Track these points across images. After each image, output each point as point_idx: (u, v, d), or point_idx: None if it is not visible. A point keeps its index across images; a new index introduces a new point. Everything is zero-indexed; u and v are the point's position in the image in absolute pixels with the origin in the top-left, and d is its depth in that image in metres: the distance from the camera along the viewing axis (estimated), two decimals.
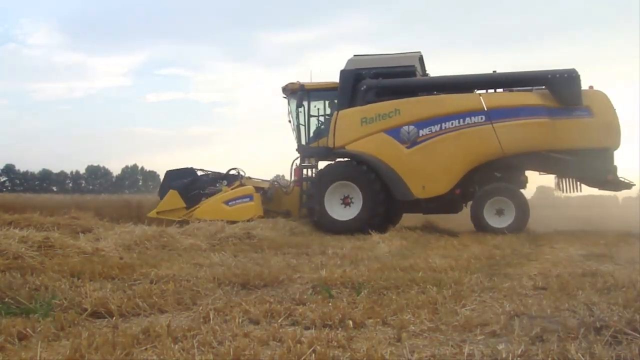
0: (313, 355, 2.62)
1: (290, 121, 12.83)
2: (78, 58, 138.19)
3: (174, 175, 12.76)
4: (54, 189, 73.17)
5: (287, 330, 3.16)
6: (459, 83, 11.95)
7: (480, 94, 11.57)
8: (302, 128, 12.56)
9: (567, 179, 11.68)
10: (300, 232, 10.40)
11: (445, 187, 11.35)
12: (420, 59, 12.75)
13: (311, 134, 12.59)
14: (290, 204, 12.84)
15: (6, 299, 3.72)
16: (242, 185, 12.13)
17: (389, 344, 2.93)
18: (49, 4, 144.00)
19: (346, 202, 11.56)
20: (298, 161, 12.86)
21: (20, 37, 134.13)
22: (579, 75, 11.08)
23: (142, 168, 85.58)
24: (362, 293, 4.24)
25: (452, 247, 7.93)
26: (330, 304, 3.80)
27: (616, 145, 11.24)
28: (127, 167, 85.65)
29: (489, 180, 11.41)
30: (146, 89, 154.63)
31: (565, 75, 11.09)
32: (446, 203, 11.54)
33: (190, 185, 12.29)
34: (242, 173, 12.83)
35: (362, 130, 11.62)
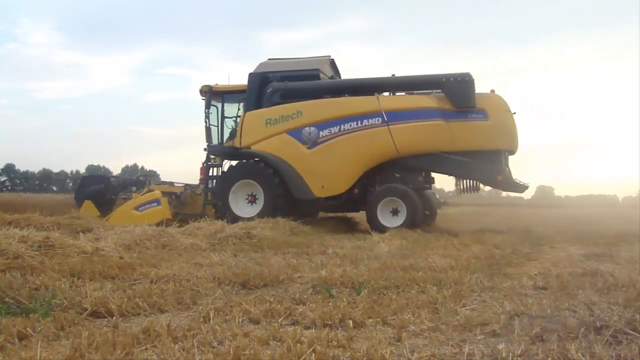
0: (313, 355, 2.62)
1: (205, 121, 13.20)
2: (78, 57, 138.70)
3: (88, 181, 13.88)
4: (54, 188, 73.13)
5: (287, 330, 3.15)
6: (360, 86, 12.24)
7: (377, 97, 11.74)
8: (212, 128, 12.93)
9: (464, 180, 11.87)
10: (300, 231, 10.39)
11: (343, 187, 11.68)
12: (332, 63, 13.15)
13: (224, 134, 12.96)
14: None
15: (6, 299, 3.72)
16: (150, 191, 12.49)
17: (389, 343, 2.93)
18: (50, 3, 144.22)
19: (251, 200, 11.94)
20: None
21: (20, 37, 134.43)
22: (472, 79, 11.30)
23: (142, 168, 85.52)
24: (362, 293, 4.24)
25: (452, 247, 7.92)
26: (330, 304, 3.80)
27: (512, 147, 11.48)
28: (127, 167, 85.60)
29: (389, 180, 11.65)
30: (146, 89, 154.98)
31: (459, 78, 11.29)
32: (345, 202, 11.92)
33: (103, 191, 13.00)
34: (149, 180, 13.49)
35: (266, 131, 12.01)
